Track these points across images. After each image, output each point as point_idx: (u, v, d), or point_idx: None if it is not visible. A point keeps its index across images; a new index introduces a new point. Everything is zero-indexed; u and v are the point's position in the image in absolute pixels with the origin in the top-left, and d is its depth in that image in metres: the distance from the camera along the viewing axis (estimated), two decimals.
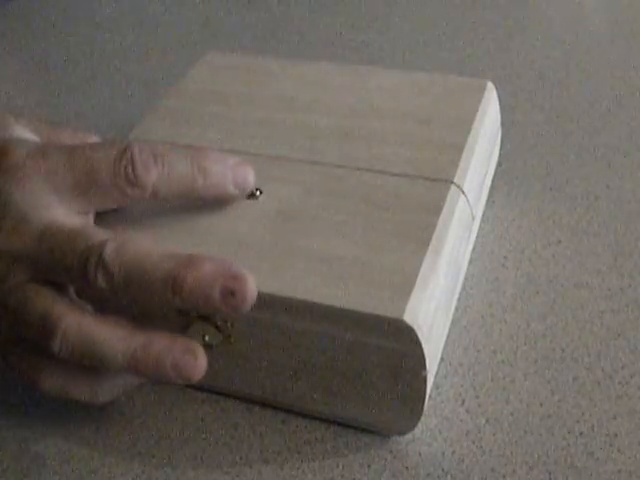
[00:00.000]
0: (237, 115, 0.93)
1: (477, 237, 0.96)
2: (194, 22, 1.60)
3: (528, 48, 1.40)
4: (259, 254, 0.71)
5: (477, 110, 0.90)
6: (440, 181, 0.79)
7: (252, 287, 0.59)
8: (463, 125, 0.88)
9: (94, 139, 0.76)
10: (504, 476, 0.69)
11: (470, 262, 0.92)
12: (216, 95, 0.97)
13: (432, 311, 0.68)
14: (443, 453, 0.72)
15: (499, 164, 1.08)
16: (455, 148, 0.84)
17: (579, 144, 1.13)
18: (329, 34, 1.50)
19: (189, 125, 0.92)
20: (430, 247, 0.71)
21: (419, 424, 0.73)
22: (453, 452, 0.72)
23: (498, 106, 0.97)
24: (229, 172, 0.71)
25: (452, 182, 0.79)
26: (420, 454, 0.72)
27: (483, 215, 0.99)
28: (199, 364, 0.62)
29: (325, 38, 1.49)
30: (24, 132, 0.71)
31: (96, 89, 1.38)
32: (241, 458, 0.73)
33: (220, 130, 0.91)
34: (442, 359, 0.81)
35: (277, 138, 0.89)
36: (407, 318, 0.64)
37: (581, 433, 0.72)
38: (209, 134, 0.90)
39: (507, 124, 1.17)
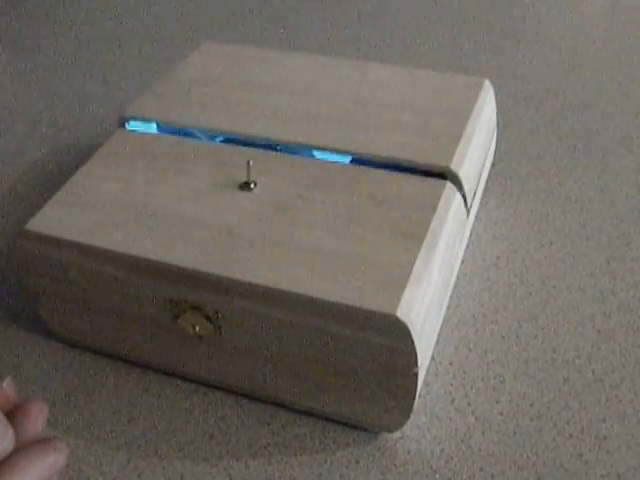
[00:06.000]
0: (233, 98, 0.93)
1: (470, 237, 0.96)
2: (191, 14, 1.59)
3: (524, 51, 1.40)
4: (252, 246, 0.71)
5: (475, 103, 0.90)
6: (437, 167, 0.79)
7: None
8: (461, 116, 0.88)
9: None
10: (492, 476, 0.69)
11: (462, 262, 0.92)
12: (212, 79, 0.97)
13: (425, 308, 0.68)
14: (432, 451, 0.71)
15: (493, 165, 1.08)
16: (452, 136, 0.84)
17: (573, 147, 1.12)
18: (327, 30, 1.49)
19: (183, 105, 0.92)
20: (424, 243, 0.70)
21: (408, 422, 0.73)
22: (442, 450, 0.71)
23: (494, 103, 0.97)
24: None
25: (449, 168, 0.79)
26: (409, 452, 0.71)
27: (476, 215, 0.99)
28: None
29: (322, 34, 1.48)
30: None
31: (92, 79, 1.37)
32: (228, 451, 0.72)
33: (215, 111, 0.91)
34: (432, 357, 0.81)
35: (273, 121, 0.88)
36: (400, 314, 0.63)
37: (571, 435, 0.72)
38: (204, 114, 0.90)
39: (501, 126, 1.17)
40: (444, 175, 0.79)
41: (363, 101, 0.90)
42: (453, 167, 0.79)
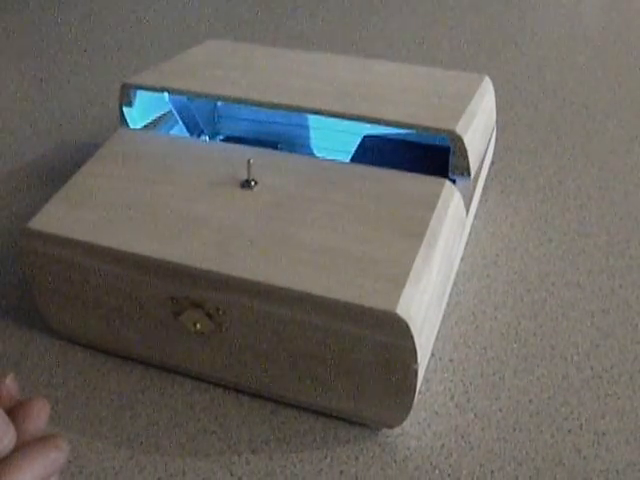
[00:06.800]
0: (238, 77, 0.94)
1: (469, 234, 0.96)
2: (193, 16, 1.60)
3: (524, 50, 1.40)
4: (253, 244, 0.71)
5: (477, 89, 0.91)
6: (442, 131, 0.80)
7: None
8: (463, 97, 0.88)
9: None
10: (492, 471, 0.69)
11: (462, 259, 0.92)
12: (216, 63, 0.98)
13: (425, 305, 0.68)
14: (432, 447, 0.72)
15: (492, 163, 1.08)
16: (456, 110, 0.85)
17: (573, 145, 1.13)
18: (328, 30, 1.50)
19: (186, 78, 0.93)
20: (424, 241, 0.71)
21: (408, 418, 0.73)
22: (442, 446, 0.72)
23: (494, 99, 0.97)
24: None
25: (454, 131, 0.80)
26: (409, 448, 0.72)
27: (476, 213, 0.99)
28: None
29: (324, 34, 1.48)
30: None
31: (92, 79, 1.38)
32: (229, 447, 0.72)
33: (219, 83, 0.92)
34: (432, 354, 0.81)
35: (279, 92, 0.89)
36: (400, 311, 0.63)
37: (569, 431, 0.73)
38: (208, 85, 0.91)
39: (501, 125, 1.17)
40: (447, 149, 0.80)
41: (368, 84, 0.91)
42: (458, 131, 0.79)
